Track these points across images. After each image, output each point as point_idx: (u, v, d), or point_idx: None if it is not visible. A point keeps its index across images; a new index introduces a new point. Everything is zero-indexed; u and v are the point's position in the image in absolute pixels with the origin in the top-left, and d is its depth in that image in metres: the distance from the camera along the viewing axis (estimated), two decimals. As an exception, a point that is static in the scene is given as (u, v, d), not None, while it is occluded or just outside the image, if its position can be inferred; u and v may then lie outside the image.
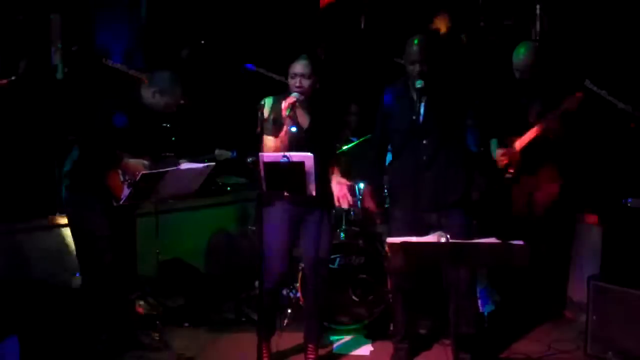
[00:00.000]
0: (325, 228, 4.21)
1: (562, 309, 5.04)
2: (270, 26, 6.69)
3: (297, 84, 4.02)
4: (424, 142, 4.06)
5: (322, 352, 4.45)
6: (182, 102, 4.36)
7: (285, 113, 3.96)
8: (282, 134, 4.01)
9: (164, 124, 4.79)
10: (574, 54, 5.37)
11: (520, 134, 4.69)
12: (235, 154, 4.62)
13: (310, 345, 4.33)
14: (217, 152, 4.58)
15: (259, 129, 3.94)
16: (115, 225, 4.23)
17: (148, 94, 4.25)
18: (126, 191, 4.06)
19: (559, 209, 4.87)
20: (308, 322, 4.36)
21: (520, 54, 4.74)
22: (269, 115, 4.08)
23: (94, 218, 4.17)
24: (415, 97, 4.07)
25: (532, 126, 4.66)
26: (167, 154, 4.54)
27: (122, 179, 4.12)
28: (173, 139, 5.20)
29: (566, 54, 5.37)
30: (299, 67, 4.04)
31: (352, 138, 5.59)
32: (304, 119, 4.13)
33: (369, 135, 5.57)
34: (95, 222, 4.17)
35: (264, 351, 4.19)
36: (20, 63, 5.17)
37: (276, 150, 3.97)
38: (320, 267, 4.21)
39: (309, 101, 4.08)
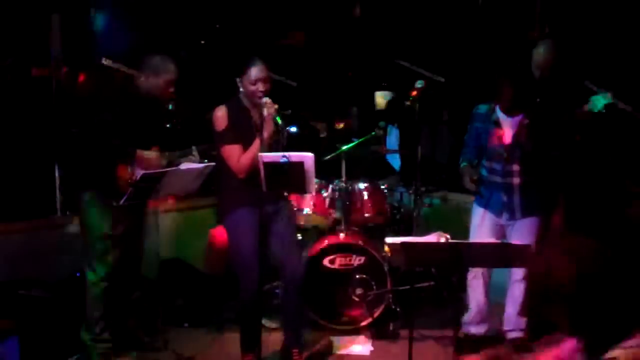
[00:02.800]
0: (287, 219, 4.18)
1: None
2: (269, 26, 6.71)
3: (261, 89, 4.00)
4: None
5: (322, 351, 4.45)
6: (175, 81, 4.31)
7: (271, 121, 3.95)
8: (266, 137, 3.97)
9: (169, 111, 4.80)
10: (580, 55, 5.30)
11: None
12: None
13: (294, 350, 4.19)
14: None
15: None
16: (125, 225, 4.25)
17: (144, 82, 4.25)
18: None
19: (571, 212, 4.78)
20: (288, 325, 4.24)
21: (541, 51, 4.72)
22: (229, 124, 4.03)
23: (99, 216, 4.18)
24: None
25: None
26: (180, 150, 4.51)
27: (131, 172, 4.14)
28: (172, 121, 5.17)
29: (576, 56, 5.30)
30: (260, 71, 4.01)
31: (352, 138, 5.60)
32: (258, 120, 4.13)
33: (369, 135, 5.59)
34: (100, 220, 4.18)
35: None
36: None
37: (240, 157, 3.97)
38: (293, 259, 4.13)
39: None
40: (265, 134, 3.97)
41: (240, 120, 4.06)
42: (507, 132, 4.30)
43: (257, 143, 3.98)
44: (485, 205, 4.42)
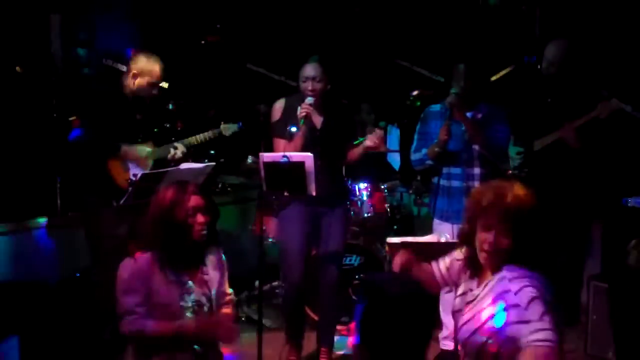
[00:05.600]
0: (337, 223, 4.21)
1: (578, 315, 4.80)
2: (271, 26, 6.70)
3: (310, 87, 4.03)
4: None
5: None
6: (162, 82, 4.37)
7: (299, 123, 3.98)
8: (297, 138, 4.01)
9: (167, 106, 4.80)
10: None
11: (542, 134, 4.62)
12: (241, 125, 4.52)
13: (323, 349, 4.33)
14: (222, 126, 4.56)
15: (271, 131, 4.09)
16: (128, 225, 4.24)
17: (129, 81, 4.28)
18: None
19: (574, 214, 4.77)
20: (320, 324, 4.38)
21: (552, 48, 4.70)
22: (282, 118, 4.11)
23: (102, 217, 4.19)
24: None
25: (556, 128, 4.58)
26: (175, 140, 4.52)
27: (125, 170, 4.16)
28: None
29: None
30: (311, 69, 4.05)
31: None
32: (317, 120, 4.15)
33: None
34: (104, 221, 4.18)
35: (293, 355, 4.26)
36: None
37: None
38: (329, 262, 4.19)
39: (321, 102, 4.09)
40: (296, 137, 4.02)
41: (293, 115, 4.06)
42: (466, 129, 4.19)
43: (295, 140, 4.02)
44: (448, 218, 4.23)
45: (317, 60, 4.11)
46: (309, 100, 3.99)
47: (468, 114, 4.20)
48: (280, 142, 4.11)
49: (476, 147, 4.20)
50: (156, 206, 3.05)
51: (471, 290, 2.60)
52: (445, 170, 4.25)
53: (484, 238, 2.47)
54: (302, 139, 4.01)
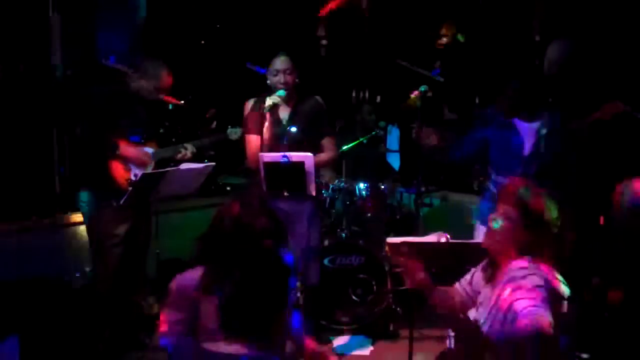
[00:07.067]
0: (313, 220, 4.20)
1: None
2: (272, 26, 6.71)
3: (282, 80, 4.06)
4: None
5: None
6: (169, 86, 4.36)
7: (263, 111, 3.98)
8: (264, 130, 4.00)
9: (167, 107, 4.83)
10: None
11: None
12: None
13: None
14: (229, 130, 4.57)
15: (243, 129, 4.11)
16: (129, 225, 4.25)
17: (135, 83, 4.29)
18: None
19: (581, 211, 4.74)
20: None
21: (554, 48, 4.69)
22: (249, 114, 4.16)
23: (103, 216, 4.19)
24: None
25: None
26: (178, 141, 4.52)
27: (126, 170, 4.15)
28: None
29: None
30: (281, 63, 4.08)
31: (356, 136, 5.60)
32: (285, 113, 4.16)
33: (368, 136, 5.59)
34: (104, 220, 4.19)
35: None
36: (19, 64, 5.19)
37: (257, 148, 3.98)
38: (312, 257, 4.17)
39: (290, 96, 4.10)
40: (264, 130, 3.99)
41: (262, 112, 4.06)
42: (526, 141, 3.90)
43: (264, 133, 4.00)
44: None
45: (286, 54, 4.11)
46: (281, 93, 4.01)
47: (527, 125, 3.91)
48: (249, 138, 4.15)
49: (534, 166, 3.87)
50: (220, 222, 2.67)
51: (487, 296, 2.75)
52: (493, 176, 4.02)
53: (492, 216, 2.73)
54: (269, 131, 4.00)
